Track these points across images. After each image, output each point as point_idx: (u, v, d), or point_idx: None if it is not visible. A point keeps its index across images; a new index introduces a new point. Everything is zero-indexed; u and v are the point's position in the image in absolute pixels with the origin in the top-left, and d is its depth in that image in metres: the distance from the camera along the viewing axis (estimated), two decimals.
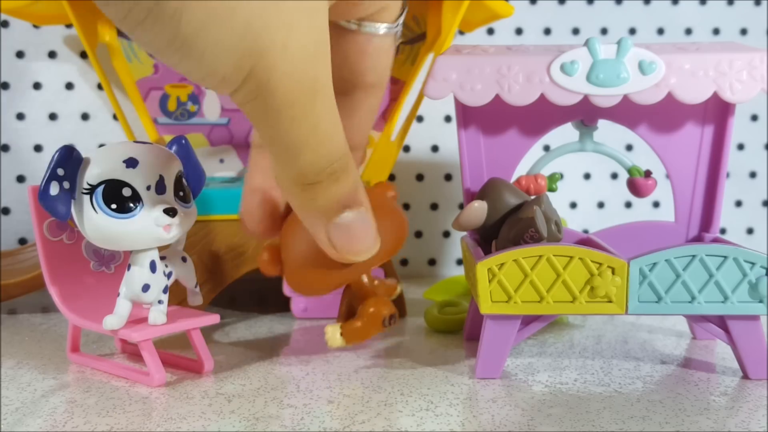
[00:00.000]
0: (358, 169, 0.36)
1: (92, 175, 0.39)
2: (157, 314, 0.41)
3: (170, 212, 0.39)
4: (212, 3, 0.26)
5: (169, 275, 0.42)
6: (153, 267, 0.41)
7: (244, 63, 0.28)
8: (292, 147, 0.30)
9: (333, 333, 0.42)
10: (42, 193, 0.38)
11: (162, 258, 0.42)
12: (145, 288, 0.41)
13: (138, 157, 0.39)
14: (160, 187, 0.39)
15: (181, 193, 0.40)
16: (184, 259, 0.44)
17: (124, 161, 0.39)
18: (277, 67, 0.28)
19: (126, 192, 0.39)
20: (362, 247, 0.34)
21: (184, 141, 0.42)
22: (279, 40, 0.28)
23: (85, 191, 0.39)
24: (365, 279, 0.43)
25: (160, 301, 0.42)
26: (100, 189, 0.39)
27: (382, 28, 0.36)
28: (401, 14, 0.37)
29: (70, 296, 0.45)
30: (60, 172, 0.38)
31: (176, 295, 0.47)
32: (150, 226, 0.39)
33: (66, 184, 0.39)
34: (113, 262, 0.46)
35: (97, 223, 0.39)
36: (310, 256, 0.37)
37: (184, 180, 0.41)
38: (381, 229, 0.36)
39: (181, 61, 0.28)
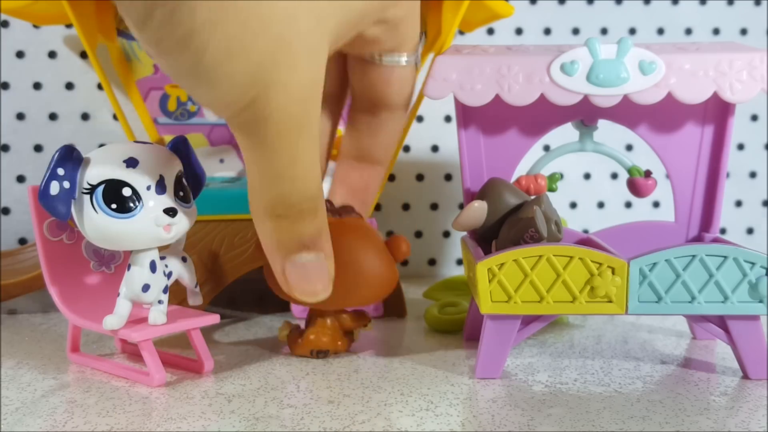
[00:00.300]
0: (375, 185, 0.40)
1: (92, 174, 0.39)
2: (157, 314, 0.41)
3: (170, 212, 0.39)
4: (235, 39, 0.29)
5: (169, 275, 0.42)
6: (153, 267, 0.41)
7: (249, 93, 0.30)
8: (270, 175, 0.32)
9: (284, 329, 0.47)
10: (42, 193, 0.38)
11: (162, 258, 0.42)
12: (145, 288, 0.41)
13: (138, 156, 0.39)
14: (160, 187, 0.39)
15: (181, 193, 0.40)
16: (184, 259, 0.44)
17: (124, 161, 0.39)
18: (275, 100, 0.31)
19: (126, 192, 0.39)
20: (313, 289, 0.36)
21: (184, 141, 0.42)
22: (282, 77, 0.30)
23: (85, 191, 0.39)
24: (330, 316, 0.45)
25: (160, 301, 0.42)
26: (100, 189, 0.39)
27: (402, 59, 0.39)
28: (419, 44, 0.40)
29: (70, 296, 0.45)
30: (60, 171, 0.38)
31: (176, 295, 0.47)
32: (150, 226, 0.39)
33: (66, 184, 0.39)
34: (113, 262, 0.46)
35: (97, 222, 0.39)
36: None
37: (184, 180, 0.41)
38: (365, 274, 0.41)
39: (196, 86, 0.30)
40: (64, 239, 0.45)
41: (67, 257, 0.45)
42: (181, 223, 0.40)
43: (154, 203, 0.39)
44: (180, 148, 0.42)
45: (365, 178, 0.44)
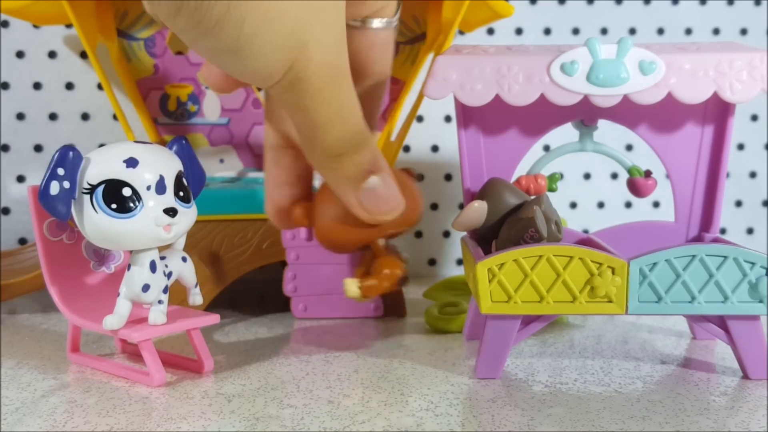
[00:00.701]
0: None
1: (92, 174, 0.39)
2: (157, 314, 0.41)
3: (170, 212, 0.39)
4: (267, 7, 0.30)
5: (169, 275, 0.42)
6: (153, 267, 0.41)
7: (289, 56, 0.32)
8: (322, 126, 0.35)
9: (351, 285, 0.44)
10: (42, 193, 0.38)
11: (162, 258, 0.42)
12: (145, 288, 0.41)
13: (138, 157, 0.39)
14: (160, 187, 0.39)
15: (181, 193, 0.40)
16: (184, 259, 0.44)
17: (124, 161, 0.39)
18: (313, 58, 0.33)
19: (126, 192, 0.39)
20: (389, 207, 0.38)
21: (184, 141, 0.42)
22: (316, 35, 0.32)
23: (85, 191, 0.39)
24: (382, 243, 0.44)
25: (160, 301, 0.42)
26: (100, 189, 0.39)
27: (384, 23, 0.40)
28: (398, 9, 0.41)
29: (70, 296, 0.45)
30: (60, 171, 0.38)
31: (176, 295, 0.47)
32: (150, 226, 0.39)
33: (66, 184, 0.39)
34: (113, 262, 0.46)
35: (97, 222, 0.39)
36: (341, 217, 0.41)
37: (184, 180, 0.41)
38: (410, 188, 0.40)
39: (236, 62, 0.32)
40: (64, 239, 0.45)
41: (67, 257, 0.45)
42: (181, 223, 0.40)
43: (154, 203, 0.39)
44: (180, 148, 0.42)
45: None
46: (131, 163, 0.39)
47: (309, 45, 0.32)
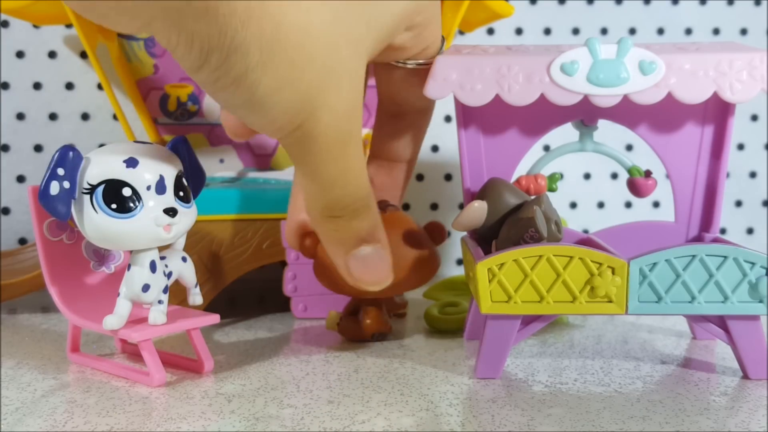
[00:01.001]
0: (404, 182, 0.44)
1: (92, 174, 0.39)
2: (157, 314, 0.41)
3: (170, 212, 0.39)
4: (283, 72, 0.32)
5: (169, 275, 0.42)
6: (153, 267, 0.41)
7: (298, 117, 0.33)
8: (324, 183, 0.36)
9: (333, 319, 0.49)
10: (42, 193, 0.38)
11: (162, 258, 0.42)
12: (145, 288, 0.41)
13: (138, 157, 0.39)
14: (160, 187, 0.39)
15: (182, 193, 0.40)
16: (184, 259, 0.44)
17: (124, 161, 0.39)
18: (323, 121, 0.34)
19: (126, 192, 0.39)
20: (376, 278, 0.39)
21: (184, 141, 0.42)
22: (329, 101, 0.34)
23: (85, 191, 0.39)
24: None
25: (160, 301, 0.42)
26: (100, 189, 0.39)
27: (427, 62, 0.42)
28: (441, 46, 0.42)
29: (70, 296, 0.45)
30: (60, 171, 0.38)
31: (176, 295, 0.47)
32: (150, 226, 0.39)
33: (66, 184, 0.39)
34: (113, 262, 0.46)
35: (97, 222, 0.39)
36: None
37: (184, 180, 0.41)
38: (414, 261, 0.45)
39: (250, 115, 0.33)
40: (64, 239, 0.45)
41: (67, 257, 0.45)
42: (181, 223, 0.40)
43: (154, 203, 0.39)
44: (180, 148, 0.42)
45: (392, 176, 0.47)
46: (131, 163, 0.39)
47: (319, 109, 0.33)
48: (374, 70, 0.44)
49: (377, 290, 0.39)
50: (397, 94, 0.43)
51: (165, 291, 0.42)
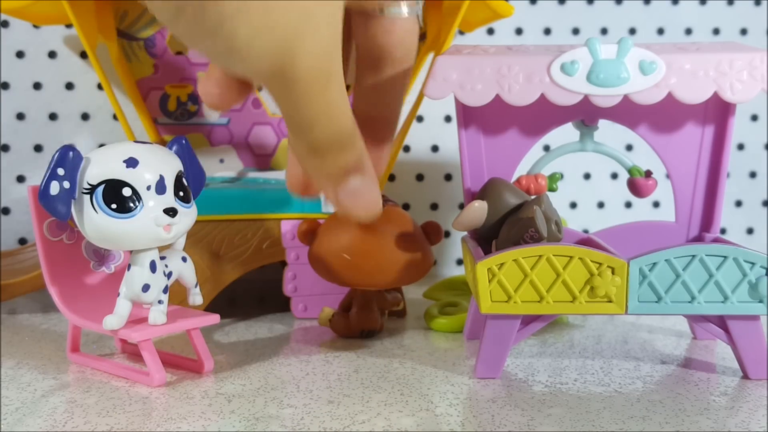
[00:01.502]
0: (389, 144, 0.43)
1: (92, 174, 0.39)
2: (157, 314, 0.41)
3: (170, 212, 0.39)
4: (258, 21, 0.32)
5: (169, 275, 0.42)
6: (153, 267, 0.41)
7: (278, 62, 0.34)
8: (307, 121, 0.36)
9: (325, 315, 0.51)
10: (42, 193, 0.38)
11: (162, 258, 0.42)
12: (145, 288, 0.41)
13: (138, 157, 0.39)
14: (160, 187, 0.39)
15: (181, 193, 0.40)
16: (184, 259, 0.44)
17: (124, 161, 0.39)
18: (302, 63, 0.34)
19: (126, 192, 0.39)
20: (366, 208, 0.39)
21: (184, 141, 0.42)
22: (307, 44, 0.34)
23: (85, 191, 0.39)
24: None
25: (160, 301, 0.42)
26: (100, 189, 0.39)
27: (403, 10, 0.41)
28: None
29: (70, 296, 0.45)
30: (60, 171, 0.38)
31: (176, 295, 0.47)
32: (150, 226, 0.39)
33: (66, 184, 0.39)
34: (113, 262, 0.46)
35: (97, 222, 0.39)
36: (332, 254, 0.46)
37: (184, 180, 0.41)
38: (406, 258, 0.46)
39: (229, 63, 0.34)
40: (64, 239, 0.45)
41: (67, 257, 0.45)
42: (181, 223, 0.40)
43: (154, 203, 0.39)
44: (180, 148, 0.42)
45: (377, 135, 0.45)
46: (131, 163, 0.39)
47: (298, 53, 0.34)
48: (353, 19, 0.44)
49: (368, 218, 0.40)
50: (373, 43, 0.43)
51: (165, 291, 0.42)
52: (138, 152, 0.39)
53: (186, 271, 0.44)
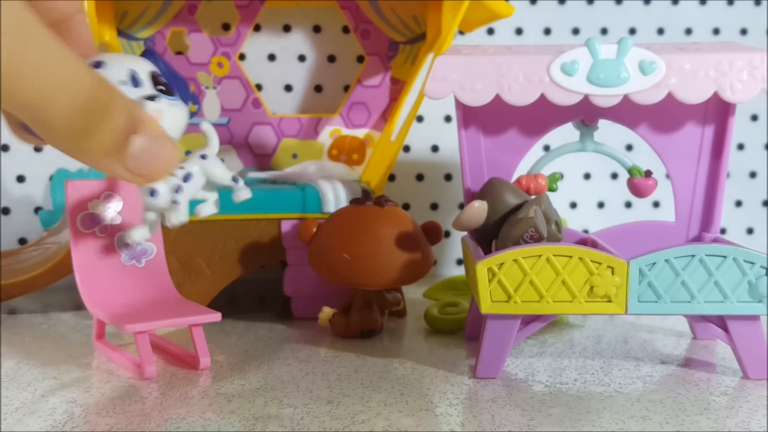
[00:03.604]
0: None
1: None
2: (175, 215, 0.39)
3: (151, 98, 0.35)
4: None
5: (186, 177, 0.40)
6: None
7: None
8: (40, 104, 0.29)
9: (325, 315, 0.51)
10: None
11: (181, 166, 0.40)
12: (153, 193, 0.38)
13: (104, 59, 0.36)
14: (134, 81, 0.36)
15: (162, 88, 0.37)
16: (203, 157, 0.41)
17: (91, 63, 0.36)
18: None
19: None
20: (163, 162, 0.32)
21: (153, 51, 0.40)
22: None
23: None
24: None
25: (175, 202, 0.39)
26: None
27: None
28: None
29: (95, 289, 0.46)
30: None
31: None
32: None
33: None
34: (144, 257, 0.46)
35: None
36: (332, 255, 0.46)
37: (160, 78, 0.37)
38: (405, 258, 0.46)
39: None
40: (96, 232, 0.46)
41: (96, 251, 0.46)
42: (170, 117, 0.36)
43: (132, 97, 0.35)
44: (150, 57, 0.39)
45: (74, 39, 0.38)
46: (97, 65, 0.36)
47: None
48: None
49: (169, 173, 0.33)
50: (50, 11, 0.36)
51: (177, 191, 0.39)
52: (104, 56, 0.36)
53: (211, 168, 0.41)
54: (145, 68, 0.37)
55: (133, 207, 0.47)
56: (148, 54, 0.41)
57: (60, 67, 0.29)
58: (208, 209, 0.40)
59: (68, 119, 0.29)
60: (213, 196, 0.40)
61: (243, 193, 0.41)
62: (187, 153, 0.43)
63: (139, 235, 0.40)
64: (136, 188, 0.41)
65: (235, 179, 0.41)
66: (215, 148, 0.42)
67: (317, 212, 0.54)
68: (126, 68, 0.36)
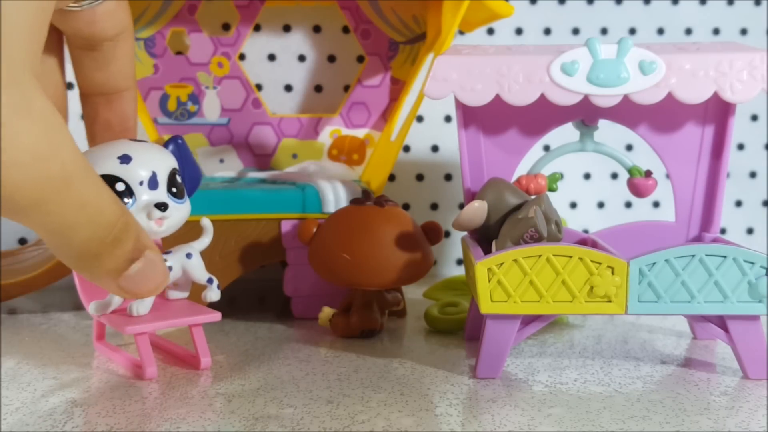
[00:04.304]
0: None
1: None
2: (139, 305, 0.43)
3: (161, 207, 0.40)
4: None
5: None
6: None
7: None
8: (64, 232, 0.31)
9: (325, 315, 0.51)
10: None
11: (167, 253, 0.43)
12: None
13: (132, 154, 0.40)
14: (152, 183, 0.40)
15: (174, 189, 0.41)
16: (189, 255, 0.44)
17: (118, 158, 0.40)
18: (15, 185, 0.28)
19: (119, 187, 0.40)
20: (154, 284, 0.35)
21: (180, 141, 0.43)
22: (6, 167, 0.28)
23: None
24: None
25: None
26: None
27: (97, 1, 0.37)
28: None
29: (93, 290, 0.46)
30: None
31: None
32: (142, 220, 0.40)
33: None
34: None
35: None
36: (332, 255, 0.47)
37: (177, 177, 0.42)
38: (405, 258, 0.46)
39: None
40: None
41: None
42: (173, 218, 0.41)
43: (146, 198, 0.40)
44: (176, 147, 0.43)
45: (115, 110, 0.43)
46: (125, 159, 0.40)
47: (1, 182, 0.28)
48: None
49: (157, 293, 0.36)
50: (80, 33, 0.39)
51: None
52: (132, 150, 0.41)
53: (191, 267, 0.44)
54: (166, 167, 0.41)
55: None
56: (173, 141, 0.43)
57: (93, 204, 0.31)
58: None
59: (85, 246, 0.32)
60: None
61: (212, 294, 0.45)
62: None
63: (92, 308, 0.44)
64: None
65: (210, 280, 0.45)
66: (205, 244, 0.46)
67: (317, 212, 0.54)
68: (149, 170, 0.39)
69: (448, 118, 0.68)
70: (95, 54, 0.40)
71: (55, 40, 0.40)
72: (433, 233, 0.49)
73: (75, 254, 0.32)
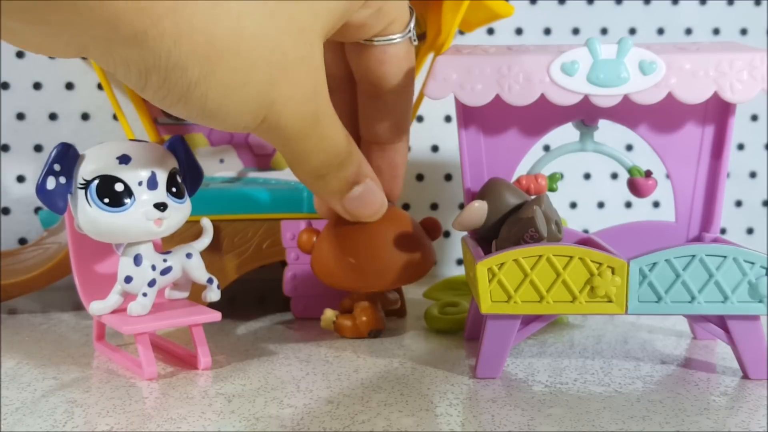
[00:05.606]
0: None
1: (87, 170, 0.40)
2: (136, 306, 0.42)
3: (160, 207, 0.40)
4: (228, 81, 0.32)
5: (166, 271, 0.43)
6: (138, 260, 0.42)
7: (258, 114, 0.35)
8: (303, 156, 0.38)
9: (329, 316, 0.50)
10: (39, 188, 0.40)
11: (167, 253, 0.43)
12: (128, 279, 0.42)
13: (131, 154, 0.41)
14: (151, 183, 0.41)
15: (174, 189, 0.41)
16: (189, 255, 0.44)
17: (117, 158, 0.40)
18: (284, 111, 0.35)
19: (119, 187, 0.40)
20: (372, 210, 0.43)
21: (180, 140, 0.43)
22: (284, 93, 0.35)
23: (80, 186, 0.40)
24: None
25: (144, 294, 0.42)
26: (94, 184, 0.40)
27: (395, 39, 0.41)
28: (410, 21, 0.42)
29: (93, 290, 0.46)
30: (57, 167, 0.40)
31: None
32: (141, 220, 0.40)
33: (62, 179, 0.40)
34: None
35: (91, 216, 0.40)
36: (332, 260, 0.47)
37: (178, 177, 0.42)
38: (408, 257, 0.46)
39: (208, 123, 0.35)
40: None
41: (94, 252, 0.46)
42: (173, 218, 0.41)
43: (145, 198, 0.40)
44: (176, 146, 0.43)
45: (387, 159, 0.46)
46: (124, 160, 0.40)
47: (277, 103, 0.34)
48: (346, 50, 0.44)
49: (376, 219, 0.43)
50: (368, 72, 0.43)
51: (151, 285, 0.42)
52: (131, 150, 0.41)
53: (191, 267, 0.44)
54: (166, 167, 0.42)
55: None
56: (174, 141, 0.43)
57: (330, 137, 0.38)
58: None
59: (316, 167, 0.39)
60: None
61: (212, 294, 0.46)
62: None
63: (93, 309, 0.43)
64: None
65: (210, 280, 0.46)
66: (205, 244, 0.46)
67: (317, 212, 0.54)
68: (149, 170, 0.40)
69: (448, 118, 0.68)
70: (378, 103, 0.44)
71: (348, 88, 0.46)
72: (432, 229, 0.49)
73: (308, 173, 0.39)
